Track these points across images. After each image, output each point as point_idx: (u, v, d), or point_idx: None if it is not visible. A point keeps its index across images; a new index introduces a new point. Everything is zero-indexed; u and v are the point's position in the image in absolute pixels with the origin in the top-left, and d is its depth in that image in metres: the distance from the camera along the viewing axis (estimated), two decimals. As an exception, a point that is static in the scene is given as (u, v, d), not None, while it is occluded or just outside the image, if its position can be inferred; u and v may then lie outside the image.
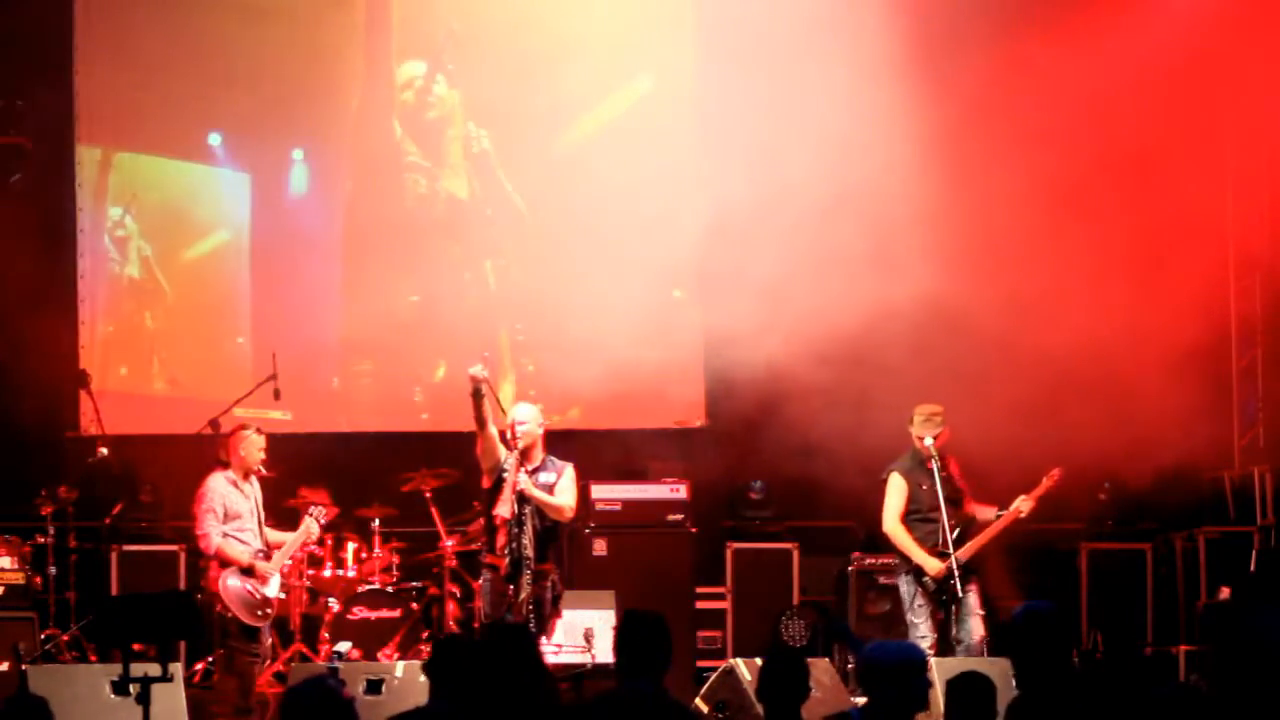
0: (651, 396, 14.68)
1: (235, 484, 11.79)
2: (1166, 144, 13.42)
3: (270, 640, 12.00)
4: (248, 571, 11.66)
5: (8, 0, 14.61)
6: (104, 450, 13.60)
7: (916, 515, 11.49)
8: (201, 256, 15.01)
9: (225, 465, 11.88)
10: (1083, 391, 12.92)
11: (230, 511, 11.72)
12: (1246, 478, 13.95)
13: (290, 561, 12.47)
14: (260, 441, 11.94)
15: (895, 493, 11.54)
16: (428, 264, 14.79)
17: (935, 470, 11.39)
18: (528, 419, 11.26)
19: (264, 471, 11.99)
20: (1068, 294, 13.35)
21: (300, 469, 13.83)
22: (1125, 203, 13.48)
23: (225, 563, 11.67)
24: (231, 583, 11.61)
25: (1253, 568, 13.08)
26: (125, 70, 14.78)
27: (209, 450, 13.50)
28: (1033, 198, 13.46)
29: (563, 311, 14.42)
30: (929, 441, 11.42)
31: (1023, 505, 11.46)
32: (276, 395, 13.52)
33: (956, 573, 11.23)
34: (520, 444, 11.13)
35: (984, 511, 11.59)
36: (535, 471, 11.21)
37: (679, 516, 13.62)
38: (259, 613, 11.63)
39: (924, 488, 11.46)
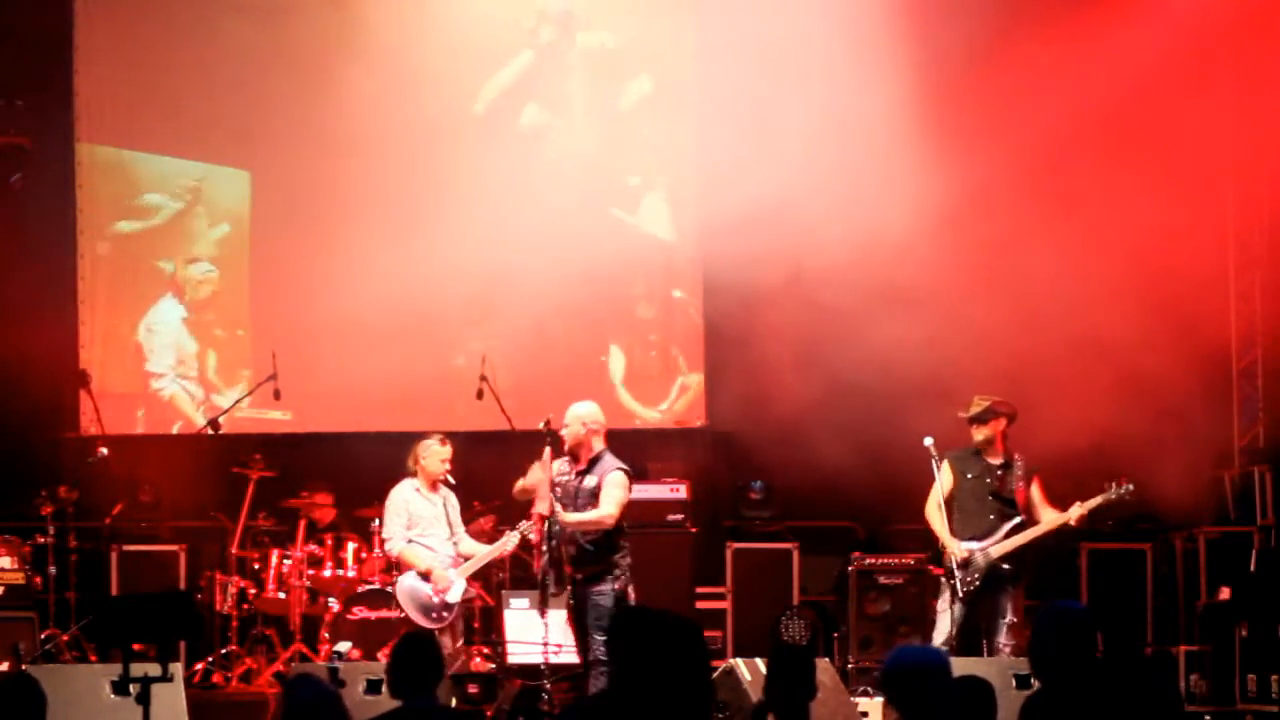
0: (651, 396, 14.68)
1: (419, 491, 11.96)
2: (1166, 143, 13.41)
3: (451, 641, 11.79)
4: (425, 576, 11.79)
5: (8, 0, 14.61)
6: (104, 450, 13.59)
7: (958, 503, 11.48)
8: (202, 249, 15.00)
9: (414, 473, 12.03)
10: (1083, 391, 12.90)
11: (414, 518, 11.92)
12: (1246, 478, 13.95)
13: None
14: (443, 451, 12.01)
15: (937, 477, 11.47)
16: (427, 264, 14.78)
17: (983, 463, 11.43)
18: (569, 420, 10.91)
19: (451, 481, 12.01)
20: (1068, 294, 13.35)
21: (300, 469, 13.83)
22: (1125, 202, 13.46)
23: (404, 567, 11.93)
24: (405, 583, 11.84)
25: (1253, 568, 13.08)
26: (125, 70, 14.78)
27: (208, 450, 13.52)
28: (1034, 197, 13.46)
29: (561, 311, 14.40)
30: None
31: (1073, 513, 11.35)
32: (277, 395, 13.51)
33: (979, 569, 11.22)
34: (566, 445, 10.89)
35: (1047, 513, 11.46)
36: (581, 475, 10.92)
37: (679, 516, 13.62)
38: (432, 615, 11.76)
39: (969, 477, 11.48)
